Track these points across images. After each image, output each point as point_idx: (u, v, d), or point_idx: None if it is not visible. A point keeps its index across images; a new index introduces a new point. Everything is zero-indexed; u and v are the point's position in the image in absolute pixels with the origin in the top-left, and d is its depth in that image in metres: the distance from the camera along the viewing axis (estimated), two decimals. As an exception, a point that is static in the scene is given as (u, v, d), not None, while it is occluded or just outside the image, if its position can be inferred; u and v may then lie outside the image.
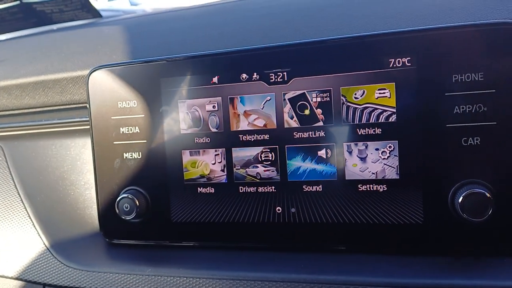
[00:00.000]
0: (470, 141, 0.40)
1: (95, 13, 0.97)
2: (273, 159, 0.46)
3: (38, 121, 0.61)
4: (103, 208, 0.52)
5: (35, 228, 0.54)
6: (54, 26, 1.00)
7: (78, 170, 0.58)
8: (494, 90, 0.39)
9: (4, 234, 0.55)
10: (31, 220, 0.55)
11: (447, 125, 0.40)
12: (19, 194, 0.57)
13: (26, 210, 0.55)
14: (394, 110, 0.42)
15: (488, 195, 0.38)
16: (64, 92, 0.58)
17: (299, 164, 0.45)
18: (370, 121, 0.43)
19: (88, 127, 0.56)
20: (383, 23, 0.47)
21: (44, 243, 0.53)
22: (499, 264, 0.39)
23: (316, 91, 0.44)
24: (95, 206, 0.55)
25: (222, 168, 0.48)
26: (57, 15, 0.97)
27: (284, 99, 0.45)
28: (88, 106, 0.51)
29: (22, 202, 0.56)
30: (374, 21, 0.48)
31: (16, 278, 0.52)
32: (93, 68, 0.51)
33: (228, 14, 0.62)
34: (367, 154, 0.43)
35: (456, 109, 0.40)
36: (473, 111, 0.40)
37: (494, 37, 0.39)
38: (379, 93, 0.42)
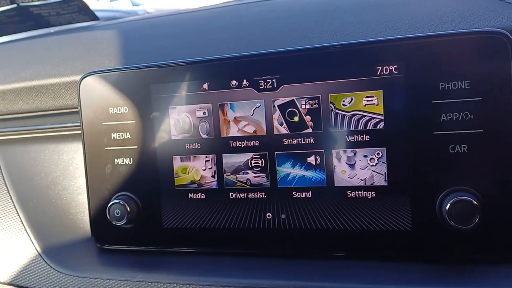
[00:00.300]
0: (457, 148, 0.40)
1: (92, 16, 0.97)
2: (263, 166, 0.46)
3: (31, 126, 0.61)
4: (94, 214, 0.52)
5: (27, 233, 0.54)
6: (52, 29, 1.01)
7: (71, 175, 0.58)
8: (480, 98, 0.39)
9: (-3, 240, 0.55)
10: (23, 225, 0.55)
11: (434, 133, 0.41)
12: (11, 198, 0.57)
13: (18, 215, 0.56)
14: (382, 118, 0.42)
15: (475, 202, 0.39)
16: (57, 97, 0.59)
17: (289, 170, 0.45)
18: (359, 128, 0.43)
19: (80, 132, 0.56)
20: (371, 31, 0.48)
21: (36, 249, 0.53)
22: (485, 271, 0.39)
23: (305, 98, 0.44)
24: (87, 211, 0.55)
25: (213, 174, 0.48)
26: (54, 18, 0.97)
27: (274, 106, 0.45)
28: (79, 112, 0.52)
29: (15, 206, 0.56)
30: (362, 28, 0.48)
31: (8, 284, 0.52)
32: (84, 74, 0.51)
33: (219, 20, 0.62)
34: (355, 161, 0.43)
35: (443, 117, 0.40)
36: (460, 119, 0.40)
37: (481, 46, 0.39)
38: (367, 101, 0.42)
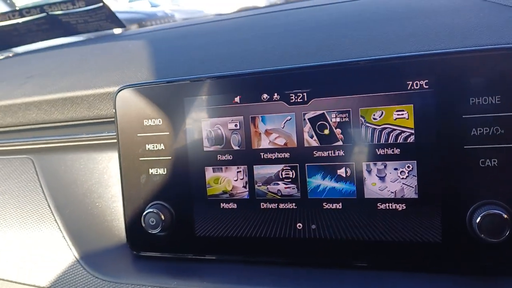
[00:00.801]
0: (488, 162, 0.41)
1: (119, 24, 1.00)
2: (293, 177, 0.47)
3: (67, 135, 0.63)
4: (129, 222, 0.54)
5: (65, 240, 0.56)
6: (80, 37, 1.03)
7: (105, 183, 0.60)
8: (511, 113, 0.39)
9: (36, 245, 0.57)
10: (61, 231, 0.57)
11: (464, 147, 0.41)
12: (49, 206, 0.59)
13: (56, 222, 0.58)
14: (413, 131, 0.43)
15: (505, 216, 0.39)
16: (92, 107, 0.61)
17: (319, 182, 0.47)
18: (389, 142, 0.44)
19: (114, 141, 0.58)
20: (401, 44, 0.48)
21: (73, 254, 0.55)
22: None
23: (336, 112, 0.45)
24: (121, 219, 0.57)
25: (244, 185, 0.49)
26: (82, 26, 0.99)
27: (304, 119, 0.46)
28: (115, 124, 0.54)
29: (53, 214, 0.59)
30: (391, 41, 0.49)
31: (48, 288, 0.55)
32: (120, 88, 0.53)
33: (248, 31, 0.64)
34: (386, 174, 0.44)
35: (474, 131, 0.41)
36: (490, 133, 0.40)
37: (511, 61, 0.39)
38: (397, 115, 0.43)
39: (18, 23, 0.95)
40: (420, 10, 0.54)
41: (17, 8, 0.95)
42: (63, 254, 0.55)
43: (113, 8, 0.94)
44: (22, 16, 0.94)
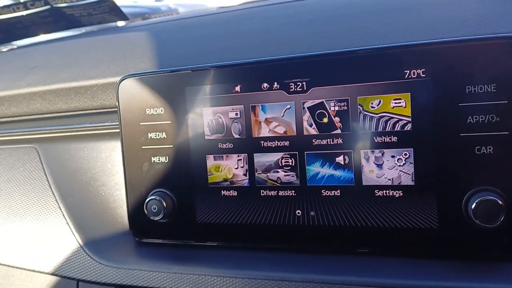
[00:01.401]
0: (483, 150, 0.41)
1: (122, 16, 1.00)
2: (293, 165, 0.48)
3: (71, 125, 0.64)
4: (132, 209, 0.55)
5: (69, 227, 0.58)
6: (83, 29, 1.04)
7: (109, 172, 0.61)
8: (506, 101, 0.40)
9: (41, 232, 0.59)
10: (65, 219, 0.58)
11: (460, 134, 0.42)
12: (53, 194, 0.61)
13: (60, 209, 0.59)
14: (410, 119, 0.44)
15: (500, 202, 0.40)
16: (95, 97, 0.62)
17: (318, 169, 0.47)
18: (386, 130, 0.44)
19: (117, 130, 0.59)
20: (399, 34, 0.49)
21: (77, 241, 0.56)
22: (508, 268, 0.41)
23: (334, 100, 0.46)
24: (124, 206, 0.58)
25: (245, 173, 0.50)
26: (86, 19, 1.00)
27: (304, 108, 0.47)
28: (118, 113, 0.54)
29: (57, 202, 0.60)
30: (390, 31, 0.50)
31: (52, 274, 0.56)
32: (123, 77, 0.54)
33: (249, 22, 0.64)
34: (383, 161, 0.45)
35: (470, 119, 0.41)
36: (486, 121, 0.41)
37: (507, 50, 0.40)
38: (395, 103, 0.44)
39: (22, 16, 0.96)
40: (415, 2, 0.54)
41: (22, 1, 0.96)
42: (67, 241, 0.57)
43: (117, 2, 0.95)
44: (26, 8, 0.95)
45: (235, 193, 0.51)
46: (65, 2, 0.95)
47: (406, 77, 0.43)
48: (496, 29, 0.45)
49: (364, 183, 0.46)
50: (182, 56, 0.60)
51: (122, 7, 0.99)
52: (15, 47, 1.04)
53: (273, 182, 0.49)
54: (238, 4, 0.89)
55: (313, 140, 0.47)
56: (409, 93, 0.43)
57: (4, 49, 1.02)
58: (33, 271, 0.58)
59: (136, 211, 0.55)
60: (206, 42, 0.61)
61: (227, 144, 0.51)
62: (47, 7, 0.95)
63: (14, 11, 0.96)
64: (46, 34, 1.05)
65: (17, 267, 0.59)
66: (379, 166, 0.45)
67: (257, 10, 0.69)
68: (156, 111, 0.53)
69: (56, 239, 0.57)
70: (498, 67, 0.40)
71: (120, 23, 1.06)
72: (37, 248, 0.58)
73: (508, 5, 0.48)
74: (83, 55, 0.69)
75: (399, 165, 0.44)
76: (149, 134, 0.53)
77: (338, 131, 0.46)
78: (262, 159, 0.49)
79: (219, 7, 0.92)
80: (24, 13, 0.96)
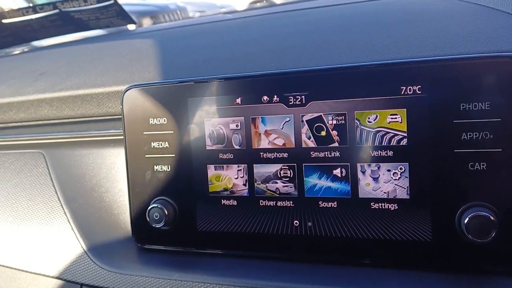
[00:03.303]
0: (477, 166, 0.42)
1: (130, 20, 1.02)
2: (291, 176, 0.49)
3: (77, 131, 0.66)
4: (135, 216, 0.56)
5: (74, 232, 0.59)
6: (93, 33, 1.06)
7: (113, 178, 0.63)
8: (499, 119, 0.41)
9: (46, 237, 0.60)
10: (70, 224, 0.60)
11: (455, 150, 0.43)
12: (59, 199, 0.62)
13: (65, 214, 0.60)
14: (405, 134, 0.44)
15: (492, 218, 0.41)
16: (100, 105, 0.63)
17: (316, 181, 0.48)
18: (383, 144, 0.45)
19: (122, 137, 0.60)
20: (397, 49, 0.50)
21: (81, 246, 0.58)
22: (498, 282, 0.42)
23: (332, 114, 0.47)
24: (127, 213, 0.59)
25: (244, 183, 0.51)
26: (94, 22, 1.02)
27: (302, 121, 0.48)
28: (122, 122, 0.56)
29: (62, 207, 0.61)
30: (389, 46, 0.51)
31: (57, 278, 0.57)
32: (127, 87, 0.55)
33: (251, 32, 0.65)
34: (379, 175, 0.46)
35: (464, 136, 0.42)
36: (479, 138, 0.42)
37: (501, 69, 0.41)
38: (391, 118, 0.45)
39: (31, 19, 0.98)
40: (416, 15, 0.55)
41: (31, 5, 0.98)
42: (71, 246, 0.58)
43: (126, 0, 0.96)
44: (35, 12, 0.97)
45: (235, 203, 0.52)
46: (74, 6, 0.97)
47: (402, 93, 0.44)
48: (493, 46, 0.46)
49: (360, 196, 0.47)
50: (186, 65, 0.61)
51: (131, 5, 1.01)
52: (25, 49, 1.06)
53: (272, 193, 0.50)
54: (243, 10, 0.90)
55: (311, 153, 0.48)
56: (405, 109, 0.44)
57: (14, 52, 1.04)
58: (38, 274, 0.59)
59: (138, 218, 0.56)
60: (210, 51, 0.63)
61: (227, 154, 0.52)
62: (56, 11, 0.97)
63: (24, 15, 0.98)
64: (54, 37, 1.07)
65: (22, 270, 0.60)
66: (375, 179, 0.46)
67: (260, 18, 0.70)
68: (159, 121, 0.54)
69: (61, 244, 0.59)
70: (492, 85, 0.41)
71: (129, 27, 1.07)
72: (42, 252, 0.60)
73: (506, 21, 0.49)
74: (90, 62, 0.71)
75: (395, 179, 0.45)
76: (152, 143, 0.55)
77: (336, 144, 0.47)
78: (261, 170, 0.51)
79: (226, 13, 0.94)
80: (33, 16, 0.98)
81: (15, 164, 0.68)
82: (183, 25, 0.85)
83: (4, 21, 0.98)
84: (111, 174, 0.63)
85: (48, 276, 0.58)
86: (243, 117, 0.51)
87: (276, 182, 0.50)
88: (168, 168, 0.54)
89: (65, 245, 0.59)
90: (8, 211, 0.65)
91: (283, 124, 0.49)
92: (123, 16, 1.01)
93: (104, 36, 0.97)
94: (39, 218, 0.62)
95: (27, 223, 0.62)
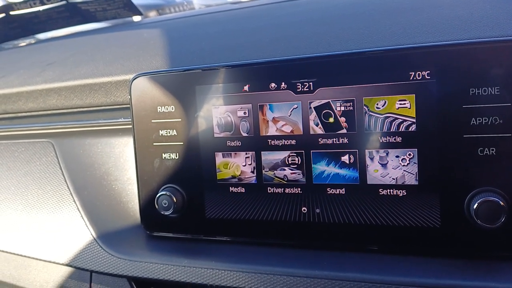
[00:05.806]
0: (486, 151, 0.42)
1: (136, 11, 1.02)
2: (299, 163, 0.49)
3: (85, 120, 0.66)
4: (144, 204, 0.57)
5: (83, 220, 0.60)
6: (100, 24, 1.06)
7: (121, 167, 0.63)
8: (509, 104, 0.41)
9: (56, 225, 0.61)
10: (79, 212, 0.60)
11: (464, 136, 0.43)
12: (68, 188, 0.63)
13: (75, 202, 0.61)
14: (414, 120, 0.44)
15: (501, 203, 0.41)
16: (109, 94, 0.63)
17: (324, 168, 0.48)
18: (391, 130, 0.45)
19: (130, 126, 0.61)
20: (405, 35, 0.49)
21: (91, 234, 0.58)
22: (509, 268, 0.41)
23: (340, 101, 0.47)
24: (136, 200, 0.60)
25: (252, 170, 0.51)
26: (101, 14, 1.02)
27: (310, 107, 0.48)
28: (130, 110, 0.56)
29: (72, 195, 0.62)
30: (397, 32, 0.50)
31: (67, 265, 0.58)
32: (135, 76, 0.55)
33: (258, 21, 0.65)
34: (388, 161, 0.46)
35: (473, 121, 0.42)
36: (489, 123, 0.42)
37: (510, 54, 0.40)
38: (400, 104, 0.45)
39: (39, 11, 0.99)
40: (424, 1, 0.55)
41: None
42: (81, 233, 0.59)
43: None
44: (42, 4, 0.98)
45: (243, 190, 0.52)
46: (80, -2, 0.97)
47: (411, 78, 0.44)
48: (502, 31, 0.46)
49: (368, 182, 0.47)
50: (193, 54, 0.61)
51: (138, -2, 1.00)
52: (33, 41, 1.06)
53: (280, 180, 0.50)
54: (248, 0, 0.90)
55: (319, 139, 0.48)
56: (414, 95, 0.44)
57: (22, 44, 1.04)
58: (48, 261, 0.60)
59: (147, 206, 0.57)
60: (217, 40, 0.63)
61: (235, 142, 0.52)
62: (63, 2, 0.97)
63: (31, 6, 0.99)
64: (62, 29, 1.07)
65: (33, 258, 0.61)
66: (384, 165, 0.46)
67: (266, 7, 0.69)
68: (167, 109, 0.54)
69: (71, 232, 0.60)
70: (501, 70, 0.41)
71: (135, 18, 1.08)
72: (52, 240, 0.60)
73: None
74: (98, 52, 0.71)
75: (403, 165, 0.45)
76: (160, 131, 0.55)
77: (344, 130, 0.47)
78: (269, 157, 0.51)
79: (232, 3, 0.94)
80: (41, 8, 0.98)
81: (25, 154, 0.68)
82: (190, 15, 0.84)
83: (12, 13, 0.98)
84: (120, 162, 0.63)
85: (58, 263, 0.59)
86: (250, 105, 0.51)
87: (284, 169, 0.50)
88: (176, 156, 0.54)
89: (75, 233, 0.59)
90: (18, 200, 0.65)
91: (291, 111, 0.49)
92: (130, 7, 1.01)
93: (111, 27, 0.97)
94: (49, 207, 0.63)
95: (37, 212, 0.63)
